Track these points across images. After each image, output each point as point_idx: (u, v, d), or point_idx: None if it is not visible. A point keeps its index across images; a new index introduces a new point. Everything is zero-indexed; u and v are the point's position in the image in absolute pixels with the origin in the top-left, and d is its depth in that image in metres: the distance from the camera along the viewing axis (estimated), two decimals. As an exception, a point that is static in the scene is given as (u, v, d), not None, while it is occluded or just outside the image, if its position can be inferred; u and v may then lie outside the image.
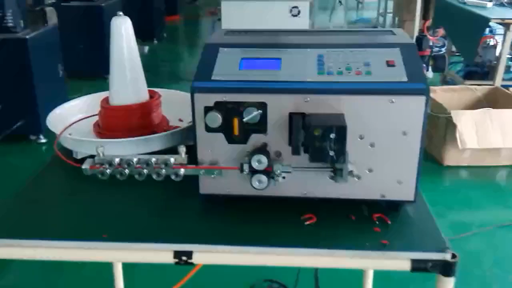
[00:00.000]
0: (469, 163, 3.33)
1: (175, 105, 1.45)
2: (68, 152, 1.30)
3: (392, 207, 1.07)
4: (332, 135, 0.92)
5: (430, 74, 1.20)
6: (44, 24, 3.77)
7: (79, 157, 1.31)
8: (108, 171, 1.03)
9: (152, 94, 1.40)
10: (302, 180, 1.05)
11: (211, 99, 1.01)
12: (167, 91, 1.50)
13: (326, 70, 1.03)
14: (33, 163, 3.24)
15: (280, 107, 1.00)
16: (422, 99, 0.97)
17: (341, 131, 0.92)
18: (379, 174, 1.03)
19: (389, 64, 1.03)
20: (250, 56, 1.08)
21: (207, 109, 1.01)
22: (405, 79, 0.99)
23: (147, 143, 1.25)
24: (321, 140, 0.93)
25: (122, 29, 1.31)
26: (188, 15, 8.83)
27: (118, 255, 1.00)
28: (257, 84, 1.01)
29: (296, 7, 4.45)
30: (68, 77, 4.52)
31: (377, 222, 1.04)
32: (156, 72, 5.72)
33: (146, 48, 6.26)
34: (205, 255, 0.99)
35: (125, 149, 1.23)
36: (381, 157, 1.02)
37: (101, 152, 1.03)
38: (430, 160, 3.34)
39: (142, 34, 6.51)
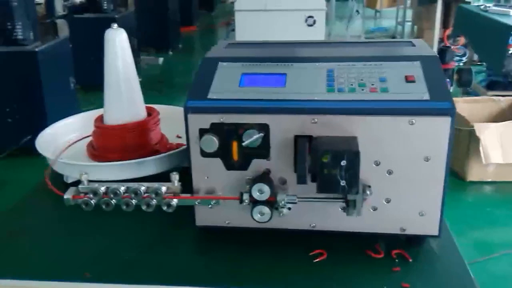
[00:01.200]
0: (493, 179, 3.17)
1: (176, 122, 1.34)
2: (60, 176, 1.20)
3: (413, 242, 0.94)
4: (343, 162, 0.80)
5: (452, 89, 1.08)
6: (55, 37, 3.72)
7: (69, 181, 1.21)
8: (93, 201, 0.92)
9: (150, 111, 1.30)
10: (311, 211, 0.93)
11: (207, 120, 0.89)
12: (167, 108, 1.39)
13: (336, 87, 0.91)
14: (41, 178, 3.16)
15: (284, 129, 0.88)
16: (447, 120, 0.84)
17: (354, 157, 0.80)
18: (398, 205, 0.90)
19: (409, 79, 0.91)
20: (252, 71, 0.97)
21: (203, 132, 0.90)
22: (427, 97, 0.87)
23: (141, 167, 1.15)
24: (331, 167, 0.81)
25: (117, 42, 1.21)
26: (204, 25, 8.78)
27: (101, 297, 0.89)
28: (258, 103, 0.89)
29: (311, 16, 4.33)
30: (82, 89, 4.48)
31: (396, 260, 0.91)
32: (171, 83, 5.65)
33: (161, 60, 6.21)
34: (198, 298, 0.87)
35: (115, 174, 1.13)
36: (400, 186, 0.89)
37: (85, 179, 0.93)
38: (452, 175, 3.18)
39: (156, 45, 6.51)
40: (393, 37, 7.21)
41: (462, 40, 5.07)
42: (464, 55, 5.43)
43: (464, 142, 3.10)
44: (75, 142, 1.29)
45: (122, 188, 0.91)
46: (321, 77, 0.94)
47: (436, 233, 0.91)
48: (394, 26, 7.40)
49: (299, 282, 0.87)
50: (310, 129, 0.87)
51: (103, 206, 0.92)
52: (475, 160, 3.07)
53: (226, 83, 0.95)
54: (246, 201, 0.89)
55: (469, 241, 2.66)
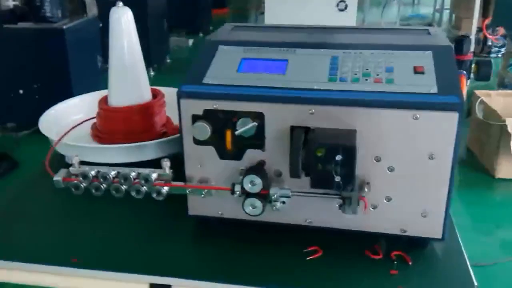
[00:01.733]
0: (524, 177, 3.04)
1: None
2: (63, 157, 1.19)
3: (415, 245, 0.89)
4: (338, 157, 0.75)
5: (468, 82, 1.01)
6: (83, 15, 3.73)
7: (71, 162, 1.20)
8: (83, 185, 0.90)
9: (155, 94, 1.27)
10: (307, 207, 0.88)
11: (200, 106, 0.85)
12: (174, 90, 1.35)
13: (339, 76, 0.86)
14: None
15: (280, 119, 0.84)
16: (453, 116, 0.78)
17: (349, 152, 0.75)
18: (399, 204, 0.85)
19: (417, 71, 0.85)
20: (253, 56, 0.92)
21: (195, 118, 0.86)
22: (434, 90, 0.80)
23: (142, 151, 1.12)
24: (325, 162, 0.76)
25: (122, 21, 1.18)
26: (236, 8, 8.70)
27: (86, 283, 0.87)
28: (253, 90, 0.85)
29: (343, 1, 4.21)
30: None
31: (395, 262, 0.86)
32: (199, 66, 5.61)
33: (191, 41, 6.18)
34: (184, 290, 0.84)
35: (115, 157, 1.11)
36: (402, 185, 0.83)
37: (76, 162, 0.90)
38: (481, 171, 3.06)
39: (187, 27, 6.47)
40: (430, 25, 7.00)
41: (501, 30, 4.85)
42: (503, 46, 5.21)
43: (494, 137, 2.97)
44: (80, 123, 1.27)
45: (113, 173, 0.89)
46: (324, 65, 0.88)
47: (439, 236, 0.85)
48: (432, 13, 7.17)
49: (291, 280, 0.83)
50: (307, 120, 0.83)
51: (93, 191, 0.90)
52: (505, 156, 2.94)
53: (224, 68, 0.90)
54: (238, 192, 0.85)
55: (496, 241, 2.56)
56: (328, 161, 0.76)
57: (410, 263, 0.86)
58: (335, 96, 0.82)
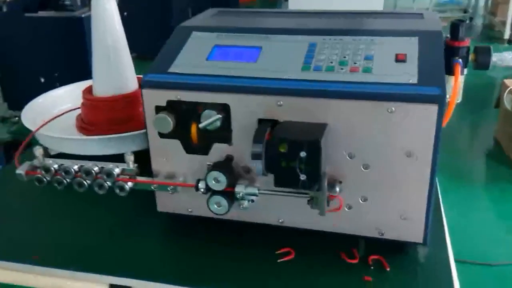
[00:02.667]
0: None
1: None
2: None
3: (395, 248, 0.82)
4: (302, 153, 0.69)
5: (465, 71, 0.92)
6: (103, 3, 3.72)
7: (52, 153, 1.17)
8: (46, 178, 0.86)
9: (142, 84, 1.22)
10: (279, 206, 0.82)
11: (163, 97, 0.80)
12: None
13: (313, 65, 0.79)
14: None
15: (247, 111, 0.78)
16: (433, 109, 0.70)
17: (314, 148, 0.69)
18: (376, 205, 0.78)
19: (399, 59, 0.77)
20: (226, 43, 0.86)
21: (159, 110, 0.81)
22: (414, 80, 0.73)
23: (123, 142, 1.07)
24: (289, 158, 0.70)
25: (104, 8, 1.13)
26: (264, -4, 8.60)
27: (45, 281, 0.83)
28: (219, 80, 0.79)
29: (370, -14, 4.07)
30: (138, 58, 4.49)
31: (372, 267, 0.79)
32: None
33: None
34: (145, 292, 0.80)
35: (94, 149, 1.07)
36: (378, 184, 0.76)
37: (40, 154, 0.87)
38: (508, 165, 2.92)
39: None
40: (465, 11, 6.75)
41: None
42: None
43: (522, 129, 2.83)
44: (61, 114, 1.23)
45: (75, 167, 0.85)
46: (300, 52, 0.82)
47: (420, 240, 0.78)
48: (468, -1, 6.91)
49: (258, 284, 0.78)
50: (276, 113, 0.76)
51: (56, 185, 0.86)
52: (533, 149, 2.80)
53: (193, 55, 0.85)
54: (202, 189, 0.80)
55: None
56: (291, 157, 0.69)
57: (387, 268, 0.79)
58: (305, 87, 0.75)
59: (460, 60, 0.88)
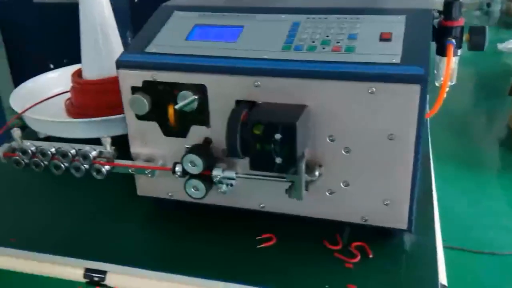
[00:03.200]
0: None
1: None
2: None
3: (380, 235, 0.79)
4: (278, 136, 0.66)
5: (459, 52, 0.88)
6: (112, -11, 3.70)
7: (41, 136, 1.16)
8: (25, 161, 0.85)
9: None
10: (259, 190, 0.80)
11: (139, 77, 0.78)
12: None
13: (294, 44, 0.76)
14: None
15: (224, 92, 0.75)
16: (415, 89, 0.67)
17: (290, 130, 0.66)
18: (358, 190, 0.75)
19: (383, 38, 0.73)
20: (207, 22, 0.83)
21: (135, 91, 0.78)
22: (397, 60, 0.69)
23: (108, 125, 1.06)
24: (264, 141, 0.67)
25: (91, -12, 1.11)
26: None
27: (20, 264, 0.82)
28: (196, 60, 0.76)
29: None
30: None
31: (354, 253, 0.77)
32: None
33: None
34: (121, 277, 0.78)
35: (80, 132, 1.05)
36: (360, 168, 0.73)
37: (18, 136, 0.85)
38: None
39: None
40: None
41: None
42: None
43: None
44: (49, 98, 1.21)
45: (53, 149, 0.83)
46: (282, 32, 0.78)
47: (404, 226, 0.75)
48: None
49: (235, 270, 0.75)
50: (254, 94, 0.73)
51: (34, 167, 0.84)
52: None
53: (173, 35, 0.82)
54: (179, 173, 0.78)
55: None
56: (266, 140, 0.67)
57: (370, 255, 0.76)
58: (283, 67, 0.72)
59: (454, 40, 0.84)
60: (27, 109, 1.11)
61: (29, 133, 1.15)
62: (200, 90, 0.75)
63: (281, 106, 0.71)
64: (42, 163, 0.83)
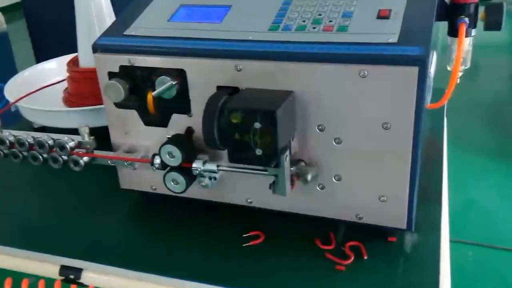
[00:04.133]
0: None
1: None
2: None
3: (377, 235, 0.72)
4: (257, 125, 0.60)
5: (474, 32, 0.80)
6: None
7: (35, 126, 1.12)
8: (4, 151, 0.81)
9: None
10: (246, 184, 0.73)
11: (115, 62, 0.72)
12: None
13: (283, 24, 0.69)
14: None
15: (204, 77, 0.69)
16: (412, 72, 0.59)
17: (269, 118, 0.59)
18: (351, 185, 0.68)
19: (381, 15, 0.66)
20: (193, 2, 0.77)
21: (112, 76, 0.73)
22: (393, 39, 0.62)
23: (100, 115, 1.01)
24: (242, 131, 0.61)
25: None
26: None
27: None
28: (176, 42, 0.70)
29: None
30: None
31: (347, 254, 0.70)
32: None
33: None
34: (96, 276, 0.73)
35: (73, 121, 1.01)
36: (352, 161, 0.66)
37: (-3, 125, 0.81)
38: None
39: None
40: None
41: None
42: None
43: None
44: (44, 87, 1.17)
45: (30, 139, 0.78)
46: (271, 10, 0.72)
47: (403, 225, 0.68)
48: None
49: (221, 269, 0.69)
50: (236, 79, 0.67)
51: (12, 158, 0.80)
52: None
53: (155, 17, 0.76)
54: (157, 165, 0.72)
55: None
56: (245, 129, 0.60)
57: (365, 257, 0.69)
58: (267, 49, 0.65)
59: (467, 19, 0.76)
60: (20, 98, 1.07)
61: (25, 124, 1.13)
62: (179, 75, 0.69)
63: (264, 92, 0.65)
64: (20, 154, 0.79)
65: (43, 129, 1.09)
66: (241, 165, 0.67)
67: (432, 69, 0.73)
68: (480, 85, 3.52)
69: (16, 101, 1.07)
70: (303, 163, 0.68)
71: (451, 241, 0.79)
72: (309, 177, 0.67)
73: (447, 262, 0.70)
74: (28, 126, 1.12)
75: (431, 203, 0.78)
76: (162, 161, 0.71)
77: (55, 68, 1.25)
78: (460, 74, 0.82)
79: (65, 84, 1.19)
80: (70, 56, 1.25)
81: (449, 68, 0.81)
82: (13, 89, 1.13)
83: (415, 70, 0.59)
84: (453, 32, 0.78)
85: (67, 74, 1.15)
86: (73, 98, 1.14)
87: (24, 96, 1.09)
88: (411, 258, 0.69)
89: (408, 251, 0.70)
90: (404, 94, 0.60)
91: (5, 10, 3.20)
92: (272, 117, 0.59)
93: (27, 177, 0.95)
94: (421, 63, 0.59)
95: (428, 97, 0.73)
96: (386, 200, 0.67)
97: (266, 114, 0.59)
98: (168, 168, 0.72)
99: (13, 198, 0.90)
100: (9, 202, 0.89)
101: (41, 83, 1.20)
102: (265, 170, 0.66)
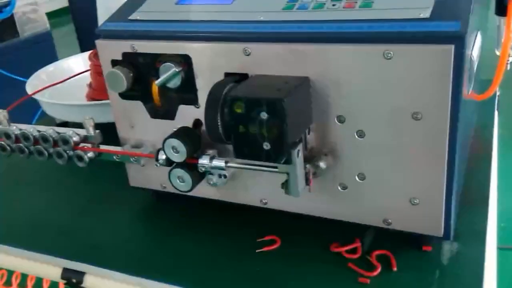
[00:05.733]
0: None
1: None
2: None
3: (411, 241, 0.63)
4: (263, 115, 0.52)
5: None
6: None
7: (57, 121, 1.09)
8: (12, 145, 0.77)
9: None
10: (261, 183, 0.66)
11: (118, 48, 0.66)
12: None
13: (299, 3, 0.61)
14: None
15: (212, 64, 0.62)
16: (447, 50, 0.50)
17: (276, 108, 0.51)
18: (377, 185, 0.59)
19: (412, -12, 0.57)
20: (204, -16, 0.70)
21: (115, 64, 0.67)
22: (425, 14, 0.53)
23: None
24: (248, 122, 0.53)
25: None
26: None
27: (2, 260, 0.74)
28: (181, 26, 0.64)
29: None
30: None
31: (374, 265, 0.61)
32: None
33: None
34: (99, 280, 0.67)
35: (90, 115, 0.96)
36: (377, 157, 0.57)
37: (5, 118, 0.77)
38: None
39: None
40: None
41: None
42: None
43: None
44: (63, 81, 1.13)
45: (36, 133, 0.74)
46: (288, -11, 0.64)
47: (439, 233, 0.58)
48: None
49: (227, 277, 0.62)
50: (245, 65, 0.59)
51: (18, 153, 0.76)
52: None
53: (163, 0, 0.70)
54: (161, 161, 0.66)
55: None
56: (251, 120, 0.53)
57: (394, 268, 0.60)
58: (277, 29, 0.58)
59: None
60: (38, 91, 1.04)
61: (49, 121, 1.10)
62: (184, 61, 0.62)
63: (274, 78, 0.57)
64: (26, 149, 0.75)
65: (66, 124, 1.06)
66: (251, 162, 0.60)
67: (475, 52, 0.63)
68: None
69: (33, 93, 1.04)
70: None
71: (500, 249, 0.68)
72: (321, 164, 0.58)
73: (493, 275, 0.60)
74: (52, 122, 1.09)
75: (476, 208, 0.68)
76: (167, 156, 0.64)
77: (80, 63, 1.21)
78: (510, 59, 0.72)
79: (89, 80, 1.15)
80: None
81: (497, 53, 0.70)
82: (36, 83, 1.10)
83: (450, 48, 0.49)
84: (502, 10, 0.67)
85: (89, 68, 1.11)
86: (95, 92, 1.10)
87: (41, 90, 1.05)
88: (449, 271, 0.59)
89: (445, 263, 0.60)
90: (438, 78, 0.51)
91: (53, 15, 3.26)
92: (280, 106, 0.51)
93: (35, 173, 0.91)
94: (458, 40, 0.49)
95: (471, 84, 0.63)
96: (418, 203, 0.57)
97: (273, 103, 0.51)
98: (174, 164, 0.65)
99: (19, 195, 0.87)
100: (15, 199, 0.85)
101: (66, 77, 1.17)
102: (276, 167, 0.58)
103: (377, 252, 0.62)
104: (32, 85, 1.09)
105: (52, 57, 2.72)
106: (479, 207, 0.68)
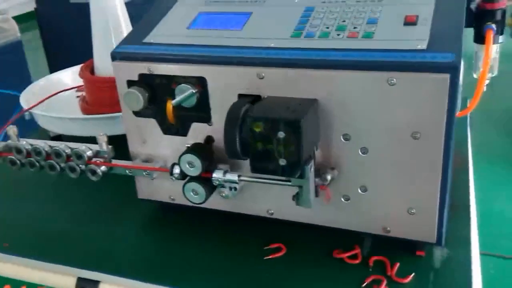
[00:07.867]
0: None
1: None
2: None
3: (405, 249, 0.69)
4: (281, 134, 0.57)
5: (501, 39, 0.77)
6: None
7: (51, 135, 1.11)
8: (23, 160, 0.79)
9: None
10: (267, 195, 0.71)
11: (134, 70, 0.71)
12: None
13: (306, 31, 0.67)
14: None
15: (226, 85, 0.67)
16: (443, 79, 0.57)
17: (293, 128, 0.57)
18: (378, 196, 0.65)
19: (408, 21, 0.64)
20: (212, 9, 0.76)
21: (130, 85, 0.71)
22: (423, 45, 0.60)
23: (116, 123, 1.00)
24: (265, 140, 0.58)
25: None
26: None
27: (13, 270, 0.76)
28: (196, 50, 0.69)
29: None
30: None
31: (370, 270, 0.67)
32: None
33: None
34: (115, 288, 0.71)
35: (86, 129, 1.00)
36: (379, 171, 0.64)
37: (14, 134, 0.80)
38: None
39: None
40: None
41: None
42: None
43: None
44: (54, 94, 1.15)
45: (47, 148, 0.77)
46: (293, 17, 0.70)
47: (433, 239, 0.65)
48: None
49: (237, 283, 0.67)
50: (259, 87, 0.65)
51: (29, 167, 0.79)
52: None
53: (174, 24, 0.75)
54: (176, 175, 0.70)
55: None
56: (268, 139, 0.58)
57: (393, 275, 0.66)
58: (290, 56, 0.63)
59: (494, 25, 0.73)
60: (33, 106, 1.06)
61: (41, 133, 1.12)
62: (200, 83, 0.67)
63: (287, 100, 0.62)
64: (37, 163, 0.78)
65: (60, 137, 1.08)
66: (264, 176, 0.65)
67: (461, 76, 0.70)
68: (504, 93, 3.45)
69: (30, 108, 1.06)
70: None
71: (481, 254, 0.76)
72: (328, 177, 0.64)
73: (478, 278, 0.67)
74: (44, 135, 1.11)
75: (459, 216, 0.75)
76: (181, 170, 0.69)
77: (70, 78, 1.24)
78: (487, 82, 0.80)
79: (78, 93, 1.18)
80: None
81: (475, 76, 0.78)
82: (29, 98, 1.12)
83: (446, 77, 0.56)
84: (479, 39, 0.76)
85: (83, 81, 1.14)
86: (89, 106, 1.13)
87: (38, 103, 1.08)
88: (442, 274, 0.66)
89: (437, 266, 0.67)
90: (435, 103, 0.58)
91: (19, 19, 3.21)
92: (297, 126, 0.57)
93: (43, 185, 0.94)
94: (453, 70, 0.56)
95: (459, 106, 0.70)
96: (415, 212, 0.64)
97: (291, 123, 0.57)
98: (188, 178, 0.70)
99: (29, 206, 0.89)
100: (25, 211, 0.87)
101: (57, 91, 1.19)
102: (289, 181, 0.64)
103: (374, 258, 0.68)
104: (25, 99, 1.11)
105: (22, 66, 2.70)
106: (462, 215, 0.76)
